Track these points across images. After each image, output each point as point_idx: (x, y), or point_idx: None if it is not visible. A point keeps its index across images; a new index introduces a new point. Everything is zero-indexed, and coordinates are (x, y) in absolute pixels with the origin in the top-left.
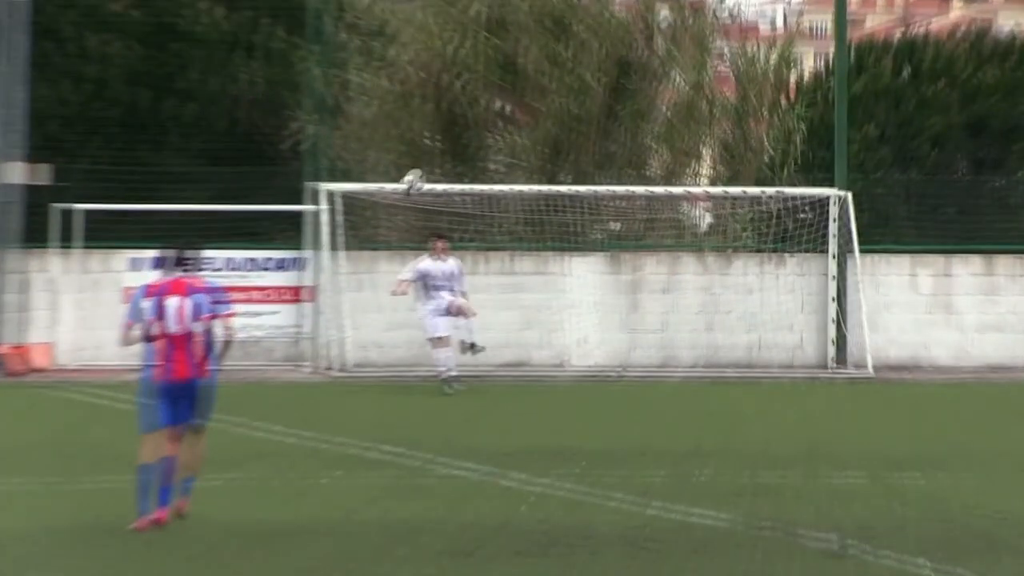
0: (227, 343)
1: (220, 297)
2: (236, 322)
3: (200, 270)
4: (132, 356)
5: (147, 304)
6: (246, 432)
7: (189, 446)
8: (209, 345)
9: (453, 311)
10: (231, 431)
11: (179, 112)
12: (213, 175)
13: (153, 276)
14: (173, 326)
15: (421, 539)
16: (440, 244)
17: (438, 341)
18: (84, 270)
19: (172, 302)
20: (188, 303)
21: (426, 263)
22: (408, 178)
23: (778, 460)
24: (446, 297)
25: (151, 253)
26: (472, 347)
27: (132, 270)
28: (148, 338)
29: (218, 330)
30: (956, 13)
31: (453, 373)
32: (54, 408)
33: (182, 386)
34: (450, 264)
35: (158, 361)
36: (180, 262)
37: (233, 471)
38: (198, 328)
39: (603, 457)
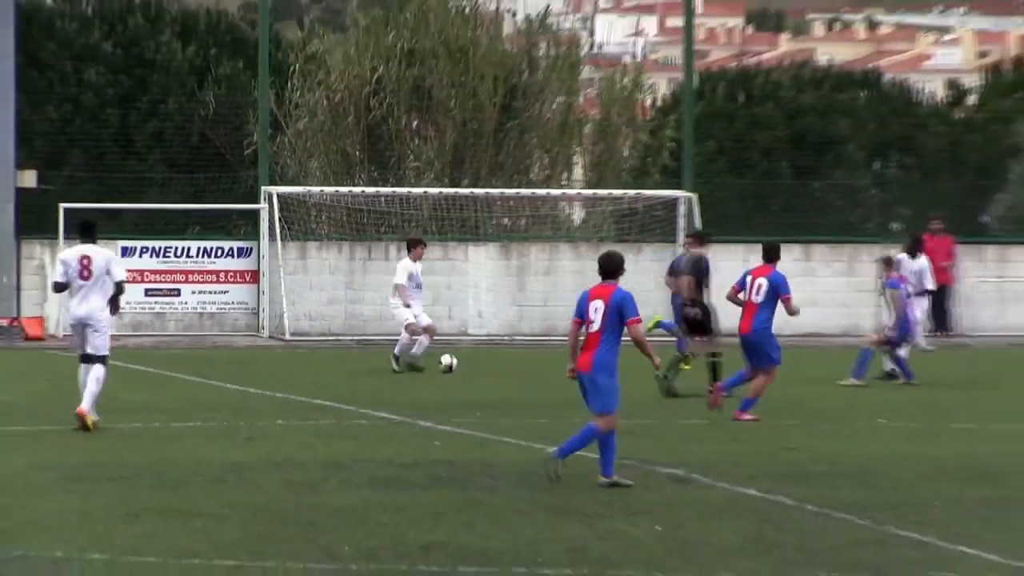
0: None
1: (784, 281)
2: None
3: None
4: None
5: (749, 280)
6: (215, 385)
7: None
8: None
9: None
10: (201, 385)
11: (145, 127)
12: (184, 180)
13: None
14: (755, 297)
15: (352, 472)
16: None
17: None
18: None
19: (759, 282)
20: (765, 282)
21: (412, 264)
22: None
23: (638, 409)
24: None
25: (138, 244)
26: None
27: (124, 256)
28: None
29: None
30: (783, 47)
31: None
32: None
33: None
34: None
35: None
36: (773, 253)
37: (200, 418)
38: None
39: (498, 407)
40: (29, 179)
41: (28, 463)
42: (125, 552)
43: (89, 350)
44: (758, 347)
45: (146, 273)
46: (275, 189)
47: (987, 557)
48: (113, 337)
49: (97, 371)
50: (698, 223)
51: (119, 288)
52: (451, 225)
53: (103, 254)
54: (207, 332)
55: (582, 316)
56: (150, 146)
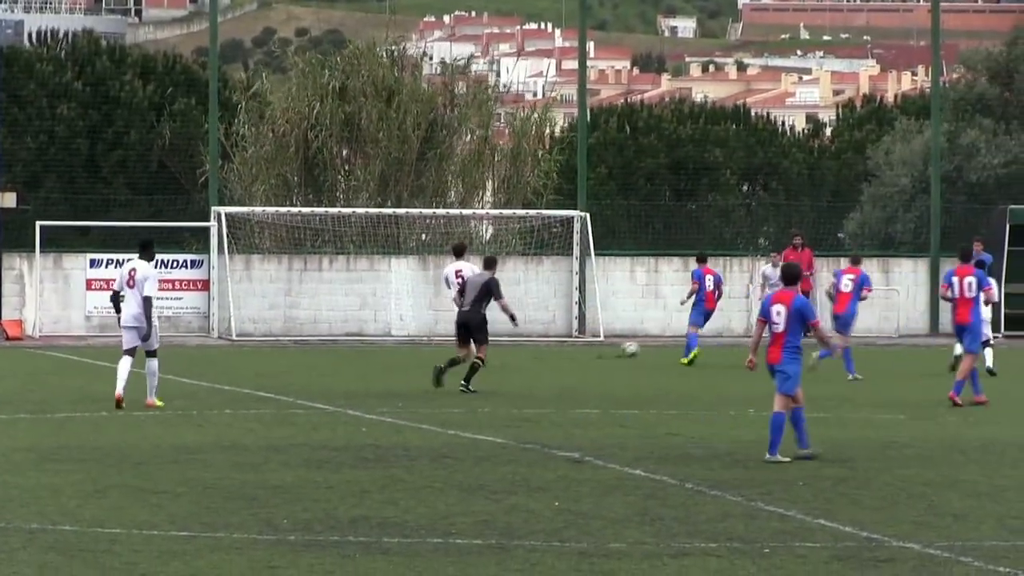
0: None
1: (984, 276)
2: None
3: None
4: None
5: (955, 280)
6: (171, 379)
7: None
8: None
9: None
10: (159, 379)
11: (111, 156)
12: (144, 202)
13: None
14: (967, 293)
15: (289, 454)
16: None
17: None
18: (57, 267)
19: (968, 280)
20: (973, 280)
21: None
22: (631, 349)
23: (537, 400)
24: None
25: (105, 256)
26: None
27: (92, 267)
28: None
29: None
30: (664, 86)
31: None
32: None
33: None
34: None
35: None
36: (968, 255)
37: (157, 407)
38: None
39: (415, 397)
40: (10, 200)
41: (8, 446)
42: (93, 524)
43: (144, 347)
44: (974, 332)
45: (111, 282)
46: (223, 209)
47: (842, 529)
48: (82, 338)
49: (151, 365)
50: (590, 238)
51: (145, 301)
52: (377, 241)
53: (144, 269)
54: (164, 333)
55: (767, 317)
56: (115, 172)
